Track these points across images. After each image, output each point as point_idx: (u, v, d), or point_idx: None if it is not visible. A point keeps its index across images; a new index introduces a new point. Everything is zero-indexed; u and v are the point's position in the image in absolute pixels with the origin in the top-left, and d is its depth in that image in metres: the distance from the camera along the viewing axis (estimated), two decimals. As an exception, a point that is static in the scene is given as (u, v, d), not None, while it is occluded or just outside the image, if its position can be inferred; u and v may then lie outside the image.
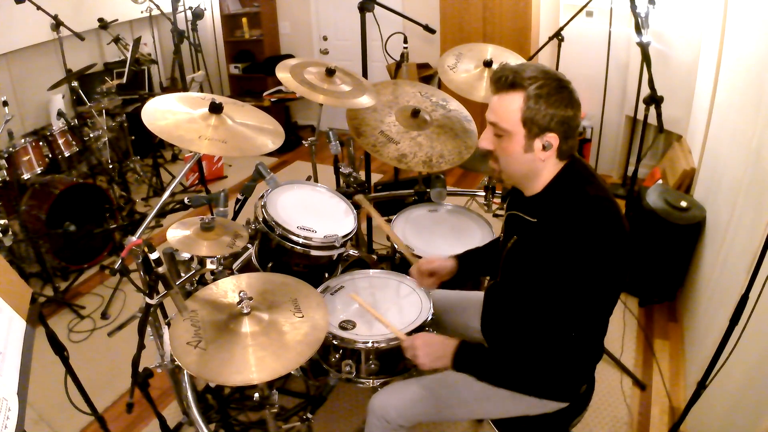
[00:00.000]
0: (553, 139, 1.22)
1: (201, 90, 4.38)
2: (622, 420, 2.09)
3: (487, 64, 2.35)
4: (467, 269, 1.67)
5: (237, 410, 2.11)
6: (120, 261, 1.37)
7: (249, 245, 1.91)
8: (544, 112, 1.19)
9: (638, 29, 2.43)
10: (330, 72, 2.13)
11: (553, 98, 1.19)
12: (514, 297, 1.39)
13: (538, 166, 1.27)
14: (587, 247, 1.19)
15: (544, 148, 1.23)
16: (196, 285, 1.82)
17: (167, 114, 1.56)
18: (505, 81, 1.22)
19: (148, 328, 1.66)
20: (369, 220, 2.85)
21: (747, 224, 1.88)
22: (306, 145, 2.35)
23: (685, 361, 2.38)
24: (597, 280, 1.21)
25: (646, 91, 2.38)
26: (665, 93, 2.35)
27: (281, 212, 1.88)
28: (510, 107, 1.22)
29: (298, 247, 1.81)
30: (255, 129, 1.68)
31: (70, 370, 1.59)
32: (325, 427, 2.10)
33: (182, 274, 1.76)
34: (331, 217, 1.99)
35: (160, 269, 1.23)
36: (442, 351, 1.38)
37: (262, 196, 1.93)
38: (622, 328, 2.58)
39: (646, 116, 2.53)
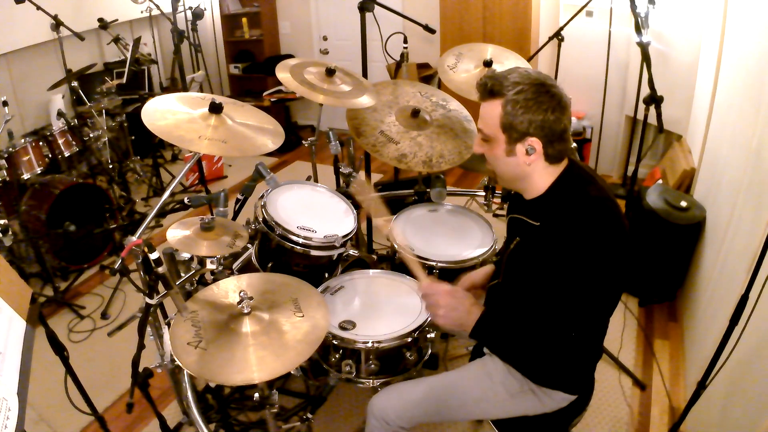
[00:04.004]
0: (535, 143, 1.23)
1: (201, 90, 4.38)
2: (622, 420, 2.09)
3: (487, 64, 2.35)
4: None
5: (237, 410, 2.11)
6: (120, 261, 1.37)
7: (249, 245, 1.91)
8: (521, 117, 1.21)
9: (638, 29, 2.44)
10: (330, 72, 2.13)
11: (531, 102, 1.20)
12: (516, 298, 1.39)
13: (525, 169, 1.28)
14: (589, 248, 1.19)
15: (528, 152, 1.24)
16: (196, 285, 1.82)
17: (167, 114, 1.56)
18: (485, 89, 1.26)
19: (148, 328, 1.66)
20: (369, 220, 2.85)
21: (747, 224, 1.88)
22: (306, 145, 2.35)
23: (685, 361, 2.38)
24: (599, 280, 1.21)
25: (646, 91, 2.38)
26: (665, 93, 2.35)
27: (281, 212, 1.88)
28: (491, 114, 1.25)
29: (298, 247, 1.81)
30: (255, 129, 1.68)
31: (70, 370, 1.59)
32: (325, 427, 2.10)
33: (182, 274, 1.76)
34: (331, 217, 1.99)
35: (160, 269, 1.23)
36: (464, 318, 1.32)
37: (262, 196, 1.93)
38: (622, 328, 2.58)
39: (646, 116, 2.53)
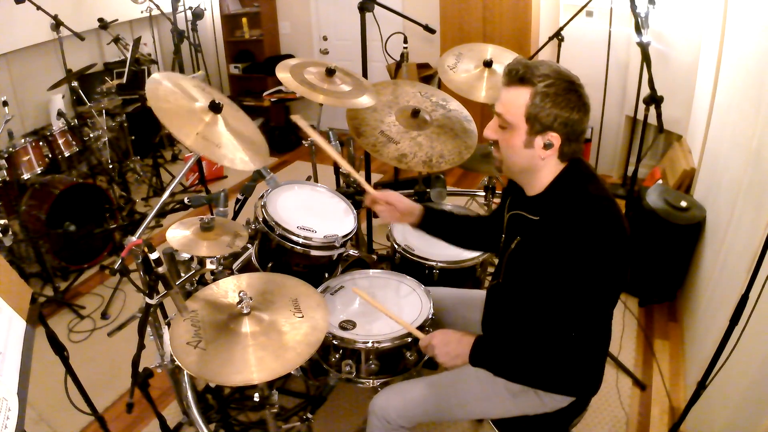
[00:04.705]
0: (554, 138, 1.22)
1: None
2: (622, 420, 2.09)
3: (487, 64, 2.35)
4: (430, 224, 1.64)
5: (237, 410, 2.11)
6: (120, 261, 1.37)
7: (249, 245, 1.91)
8: (548, 111, 1.20)
9: (638, 29, 2.44)
10: (330, 72, 2.13)
11: (560, 98, 1.19)
12: (517, 297, 1.39)
13: (538, 163, 1.27)
14: (588, 245, 1.19)
15: (545, 146, 1.23)
16: (196, 285, 1.82)
17: (170, 96, 1.52)
18: (515, 75, 1.23)
19: (148, 328, 1.66)
20: (369, 220, 2.85)
21: (747, 224, 1.88)
22: (306, 145, 2.35)
23: (685, 361, 2.38)
24: (598, 278, 1.21)
25: (646, 91, 2.38)
26: (665, 93, 2.35)
27: (281, 212, 1.88)
28: (516, 101, 1.23)
29: (298, 247, 1.81)
30: (243, 140, 1.62)
31: (70, 370, 1.59)
32: (325, 427, 2.10)
33: (182, 274, 1.76)
34: (331, 217, 1.99)
35: (160, 269, 1.23)
36: (458, 349, 1.36)
37: (262, 196, 1.93)
38: (621, 328, 2.58)
39: (646, 116, 2.53)
